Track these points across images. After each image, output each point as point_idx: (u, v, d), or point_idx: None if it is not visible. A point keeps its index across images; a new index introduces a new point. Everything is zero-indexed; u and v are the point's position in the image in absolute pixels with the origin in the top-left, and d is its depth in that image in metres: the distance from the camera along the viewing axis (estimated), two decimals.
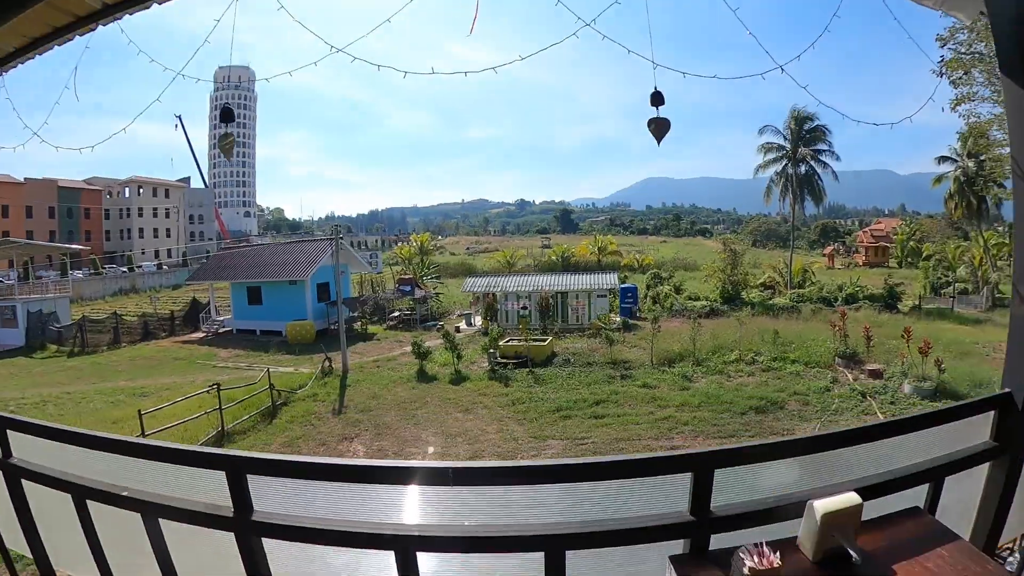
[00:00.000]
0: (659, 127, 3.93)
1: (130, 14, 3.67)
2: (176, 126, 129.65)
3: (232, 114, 5.96)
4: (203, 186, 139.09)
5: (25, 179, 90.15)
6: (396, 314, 41.64)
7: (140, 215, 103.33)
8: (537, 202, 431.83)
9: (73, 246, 67.85)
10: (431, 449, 16.82)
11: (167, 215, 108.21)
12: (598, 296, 35.05)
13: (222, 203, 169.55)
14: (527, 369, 24.77)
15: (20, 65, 4.37)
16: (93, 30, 3.80)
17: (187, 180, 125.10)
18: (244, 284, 41.69)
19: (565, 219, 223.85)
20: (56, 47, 4.05)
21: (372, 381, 25.24)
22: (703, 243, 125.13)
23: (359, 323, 38.59)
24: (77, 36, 3.90)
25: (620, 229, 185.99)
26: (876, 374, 22.33)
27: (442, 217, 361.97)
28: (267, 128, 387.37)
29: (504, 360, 25.79)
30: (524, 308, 34.90)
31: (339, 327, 28.27)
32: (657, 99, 3.88)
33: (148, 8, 3.63)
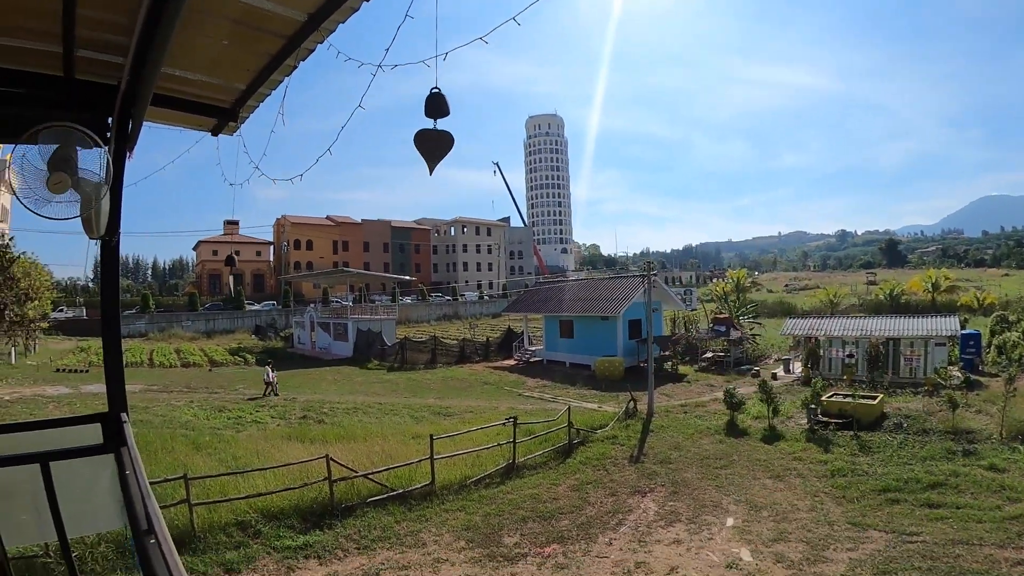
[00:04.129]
0: None
1: (342, 22, 3.66)
2: (495, 172, 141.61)
3: (441, 104, 4.74)
4: (522, 225, 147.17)
5: (362, 220, 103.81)
6: (709, 355, 39.41)
7: (464, 251, 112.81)
8: (859, 232, 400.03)
9: (403, 276, 76.37)
10: (730, 521, 14.47)
11: (489, 251, 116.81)
12: (936, 344, 28.99)
13: (540, 240, 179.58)
14: (851, 432, 20.98)
15: (259, 106, 4.64)
16: (311, 51, 3.88)
17: (507, 220, 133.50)
18: (557, 317, 42.60)
19: (891, 251, 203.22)
20: (285, 80, 4.21)
21: (676, 428, 23.43)
22: None
23: (669, 363, 37.01)
24: (300, 63, 4.00)
25: (953, 260, 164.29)
26: None
27: (758, 252, 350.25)
28: (582, 170, 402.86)
29: (826, 419, 22.27)
30: (850, 356, 30.65)
31: (648, 366, 27.05)
32: None
33: (357, 11, 3.58)
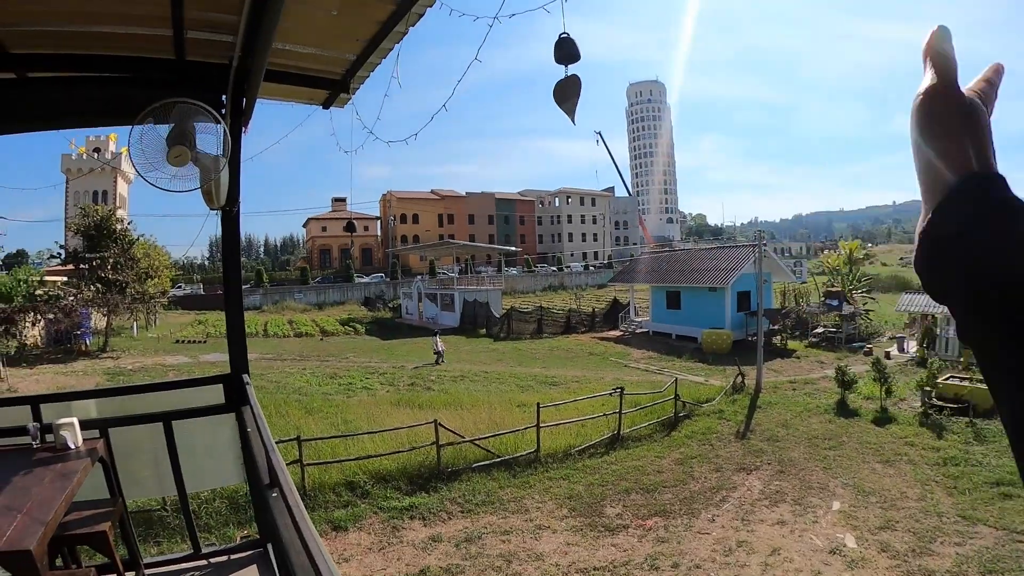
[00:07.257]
0: None
1: None
2: (597, 142, 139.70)
3: (571, 48, 4.68)
4: (627, 195, 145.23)
5: (467, 193, 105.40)
6: (819, 330, 37.73)
7: (569, 221, 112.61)
8: None
9: (508, 248, 77.10)
10: (836, 505, 13.93)
11: (594, 221, 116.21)
12: None
13: (645, 210, 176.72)
14: (967, 419, 19.47)
15: (370, 76, 4.56)
16: (421, 15, 3.71)
17: (611, 190, 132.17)
18: (664, 288, 41.94)
19: None
20: (396, 47, 4.12)
21: (784, 405, 22.64)
22: None
23: (778, 337, 35.92)
24: (410, 30, 3.88)
25: None
26: None
27: (871, 222, 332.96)
28: (686, 137, 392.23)
29: (940, 403, 20.73)
30: None
31: (758, 340, 26.27)
32: None
33: None
